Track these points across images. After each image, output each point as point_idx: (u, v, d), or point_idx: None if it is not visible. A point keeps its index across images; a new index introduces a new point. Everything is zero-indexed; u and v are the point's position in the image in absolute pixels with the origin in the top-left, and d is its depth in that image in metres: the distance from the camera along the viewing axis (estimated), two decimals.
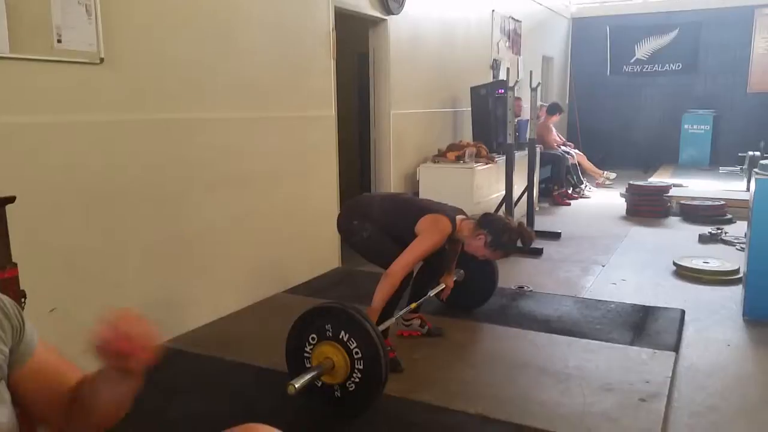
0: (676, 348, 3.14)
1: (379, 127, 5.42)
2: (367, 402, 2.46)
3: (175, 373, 2.80)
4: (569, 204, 7.75)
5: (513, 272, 4.71)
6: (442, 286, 3.37)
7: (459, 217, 3.04)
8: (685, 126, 10.71)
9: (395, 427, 2.43)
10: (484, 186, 5.75)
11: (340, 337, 2.41)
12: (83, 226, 2.82)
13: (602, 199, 8.17)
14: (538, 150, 6.67)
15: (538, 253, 5.20)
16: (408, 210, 3.05)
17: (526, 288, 4.19)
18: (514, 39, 8.41)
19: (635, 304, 3.80)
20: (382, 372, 2.38)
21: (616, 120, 11.37)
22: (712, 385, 2.81)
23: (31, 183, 2.57)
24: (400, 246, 2.93)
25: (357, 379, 2.41)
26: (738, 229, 5.77)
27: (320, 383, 2.46)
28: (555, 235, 5.82)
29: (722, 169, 9.43)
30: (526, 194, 6.01)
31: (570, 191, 8.15)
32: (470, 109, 6.63)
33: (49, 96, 2.65)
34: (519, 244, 3.07)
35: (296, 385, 2.27)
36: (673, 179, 8.42)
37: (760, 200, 3.58)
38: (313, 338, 2.49)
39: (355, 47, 5.77)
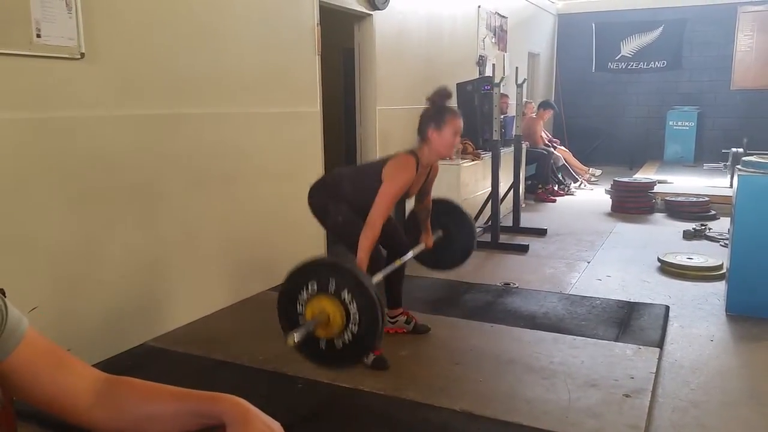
0: (660, 344, 3.16)
1: (364, 123, 5.41)
2: (357, 358, 2.45)
3: (159, 372, 2.78)
4: (554, 201, 7.78)
5: (499, 269, 4.72)
6: (422, 245, 3.32)
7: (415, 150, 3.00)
8: (670, 122, 10.80)
9: (380, 424, 2.43)
10: (471, 182, 5.76)
11: (336, 290, 2.36)
12: (65, 223, 2.78)
13: (588, 195, 8.22)
14: (524, 147, 6.68)
15: (523, 250, 5.21)
16: (372, 170, 3.00)
17: (511, 285, 4.20)
18: (500, 35, 8.42)
19: (620, 300, 3.82)
20: (378, 328, 2.35)
21: (601, 117, 11.44)
22: (695, 380, 2.83)
23: (12, 180, 2.52)
24: None
25: (350, 336, 2.36)
26: (722, 225, 5.83)
27: (324, 344, 2.40)
28: (541, 232, 5.84)
29: (706, 166, 9.52)
30: (512, 191, 6.04)
31: (556, 188, 8.18)
32: (456, 105, 6.62)
33: (29, 92, 2.60)
34: (443, 101, 3.06)
35: (296, 337, 2.23)
36: (658, 176, 8.49)
37: (742, 196, 3.61)
38: (308, 290, 2.43)
39: (341, 43, 5.75)
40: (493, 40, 8.16)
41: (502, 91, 5.56)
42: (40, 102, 2.65)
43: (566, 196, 8.12)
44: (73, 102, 2.78)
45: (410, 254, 3.24)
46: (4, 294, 1.09)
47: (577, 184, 8.73)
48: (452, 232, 3.55)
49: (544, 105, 8.53)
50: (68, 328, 2.75)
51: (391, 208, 2.89)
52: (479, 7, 7.55)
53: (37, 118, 2.64)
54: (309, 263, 2.54)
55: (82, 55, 2.77)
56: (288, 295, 2.52)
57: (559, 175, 8.59)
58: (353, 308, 2.35)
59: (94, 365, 1.17)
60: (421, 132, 3.01)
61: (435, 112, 3.00)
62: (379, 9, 5.20)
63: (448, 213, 3.57)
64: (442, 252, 3.52)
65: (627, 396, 2.59)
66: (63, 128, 2.75)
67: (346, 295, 2.35)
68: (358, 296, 2.35)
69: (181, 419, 1.07)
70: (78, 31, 2.73)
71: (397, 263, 3.13)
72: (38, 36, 2.58)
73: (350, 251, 2.94)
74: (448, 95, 3.11)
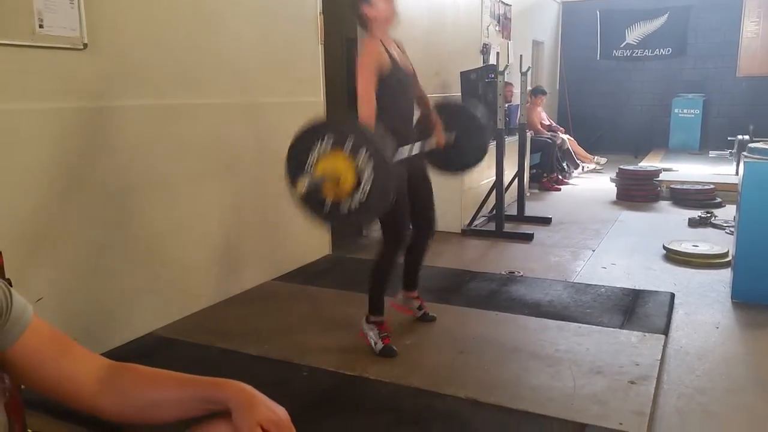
0: (665, 331, 3.15)
1: None
2: (363, 222, 2.37)
3: (165, 362, 2.78)
4: (559, 189, 7.75)
5: (503, 258, 4.72)
6: (433, 141, 3.27)
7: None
8: (675, 110, 10.74)
9: (385, 411, 2.44)
10: (475, 171, 5.72)
11: (352, 152, 2.27)
12: (70, 213, 2.78)
13: (592, 184, 8.19)
14: (528, 135, 6.66)
15: (528, 238, 5.20)
16: None
17: (516, 273, 4.20)
18: (504, 23, 8.37)
19: (625, 288, 3.82)
20: (386, 200, 2.30)
21: (606, 105, 11.39)
22: (700, 367, 2.83)
23: (15, 171, 2.53)
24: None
25: (356, 203, 2.31)
26: (727, 213, 5.80)
27: (328, 206, 2.36)
28: (545, 221, 5.83)
29: (712, 153, 9.48)
30: (516, 180, 6.02)
31: (561, 177, 8.15)
32: (460, 93, 6.60)
33: (32, 82, 2.60)
34: None
35: (305, 185, 2.19)
36: (663, 164, 8.46)
37: (748, 184, 3.59)
38: (323, 144, 2.34)
39: (344, 32, 5.72)
40: (497, 28, 8.12)
41: (506, 80, 5.53)
42: (43, 93, 2.65)
43: (570, 185, 8.08)
44: (75, 93, 2.78)
45: (417, 147, 3.18)
46: (10, 284, 1.09)
47: (578, 170, 8.67)
48: (464, 134, 3.46)
49: (535, 91, 8.46)
50: (75, 318, 2.76)
51: (372, 80, 2.79)
52: None
53: (39, 109, 2.64)
54: (331, 120, 2.44)
55: (85, 45, 2.76)
56: (302, 144, 2.41)
57: (564, 163, 8.57)
58: (366, 174, 2.25)
59: (100, 355, 1.17)
60: (359, 18, 2.92)
61: None
62: None
63: (459, 115, 3.48)
64: (453, 153, 3.45)
65: (632, 383, 2.59)
66: (66, 119, 2.75)
67: (361, 160, 2.26)
68: (374, 164, 2.24)
69: (186, 405, 1.08)
70: (80, 22, 2.73)
71: (411, 149, 3.01)
72: (41, 26, 2.57)
73: (381, 223, 2.92)
74: None
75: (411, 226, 3.14)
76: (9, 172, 2.50)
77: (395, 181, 2.34)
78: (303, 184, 2.22)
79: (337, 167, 2.29)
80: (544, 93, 8.51)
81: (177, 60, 3.28)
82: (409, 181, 3.01)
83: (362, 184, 2.28)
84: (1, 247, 1.92)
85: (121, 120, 3.00)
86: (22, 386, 1.78)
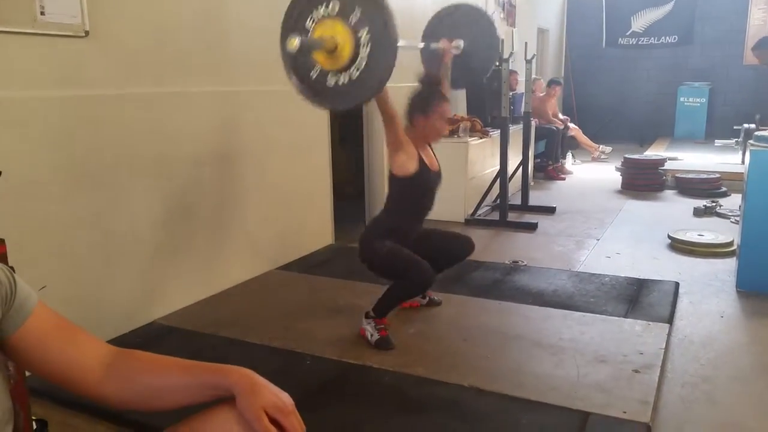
0: (670, 320, 3.14)
1: (372, 101, 5.34)
2: (357, 100, 2.31)
3: (168, 351, 2.77)
4: (564, 179, 7.72)
5: (507, 247, 4.71)
6: (442, 45, 3.26)
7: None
8: (681, 99, 10.68)
9: (389, 399, 2.43)
10: (479, 161, 5.73)
11: (356, 23, 2.16)
12: (72, 202, 2.78)
13: (597, 173, 8.15)
14: (533, 124, 6.63)
15: (532, 228, 5.19)
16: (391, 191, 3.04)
17: (520, 263, 4.19)
18: (508, 10, 8.31)
19: (629, 277, 3.80)
20: (379, 85, 2.21)
21: (611, 93, 11.32)
22: (705, 356, 2.83)
23: (17, 160, 2.52)
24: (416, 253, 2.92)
25: (347, 77, 2.21)
26: (733, 202, 5.78)
27: (315, 73, 2.27)
28: (550, 210, 5.81)
29: (718, 142, 9.42)
30: (521, 169, 6.00)
31: (557, 164, 8.06)
32: None
33: (33, 70, 2.59)
34: (432, 85, 3.02)
35: (297, 42, 2.09)
36: (669, 153, 8.42)
37: (754, 172, 3.57)
38: (327, 7, 2.23)
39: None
40: (502, 16, 8.06)
41: (511, 68, 5.49)
42: (45, 80, 2.64)
43: (574, 175, 8.04)
44: (77, 80, 2.77)
45: (433, 45, 3.11)
46: (13, 270, 1.09)
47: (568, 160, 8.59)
48: (473, 44, 3.42)
49: (551, 82, 8.43)
50: (77, 307, 2.75)
51: (397, 117, 2.80)
52: None
53: (41, 97, 2.63)
54: None
55: (87, 33, 2.74)
56: (304, 3, 2.30)
57: (570, 152, 8.53)
58: (365, 51, 2.15)
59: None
60: (409, 117, 2.99)
61: (422, 98, 2.97)
62: None
63: (469, 25, 3.40)
64: (462, 66, 3.41)
65: (636, 371, 2.58)
66: (68, 107, 2.74)
67: (364, 34, 2.16)
68: (377, 40, 2.12)
69: (190, 391, 1.08)
70: (82, 9, 2.71)
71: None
72: (42, 14, 2.56)
73: (401, 276, 2.90)
74: (438, 81, 3.08)
75: (452, 258, 3.20)
76: (11, 160, 2.49)
77: (389, 70, 2.22)
78: (295, 41, 2.11)
79: (336, 35, 2.18)
80: (559, 84, 8.45)
81: (179, 48, 3.26)
82: (418, 246, 2.99)
83: (357, 60, 2.17)
84: (3, 235, 1.92)
85: (122, 108, 2.99)
86: (27, 373, 1.79)
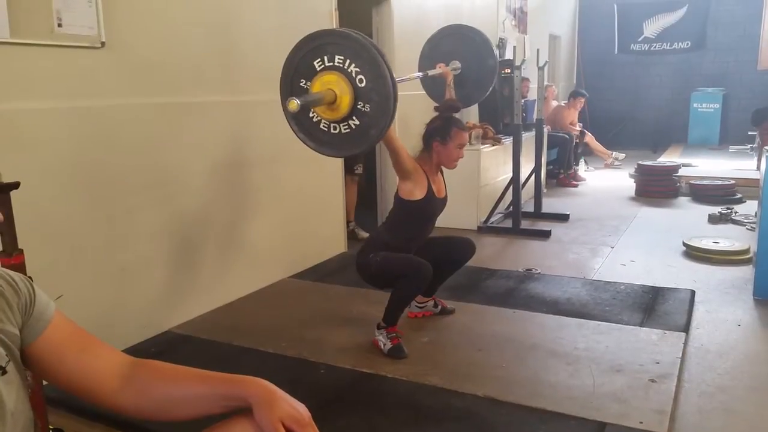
0: (686, 328, 3.11)
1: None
2: (363, 146, 2.34)
3: (183, 359, 2.79)
4: (576, 185, 7.68)
5: (520, 255, 4.69)
6: (440, 71, 3.29)
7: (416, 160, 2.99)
8: (694, 104, 10.59)
9: (404, 408, 2.43)
10: (491, 168, 5.71)
11: (348, 68, 2.20)
12: (88, 211, 2.80)
13: (611, 180, 8.11)
14: (545, 131, 6.60)
15: (545, 235, 5.17)
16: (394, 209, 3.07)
17: (534, 270, 4.17)
18: (520, 17, 8.30)
19: (645, 285, 3.77)
20: (389, 116, 2.23)
21: (624, 99, 11.26)
22: (722, 365, 2.79)
23: (35, 169, 2.55)
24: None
25: (356, 122, 2.24)
26: (748, 209, 5.72)
27: (317, 118, 2.32)
28: (563, 217, 5.79)
29: (732, 148, 9.34)
30: (533, 176, 5.98)
31: (570, 172, 8.02)
32: None
33: (50, 81, 2.62)
34: (450, 113, 3.05)
35: (298, 101, 2.13)
36: (683, 159, 8.35)
37: None
38: (317, 64, 2.28)
39: (359, 27, 5.69)
40: (513, 23, 8.05)
41: (523, 75, 5.49)
42: (62, 91, 2.67)
43: (585, 181, 8.00)
44: (93, 91, 2.80)
45: (429, 73, 3.13)
46: (31, 280, 1.10)
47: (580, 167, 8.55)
48: (471, 64, 3.45)
49: (576, 94, 8.41)
50: (92, 316, 2.77)
51: (402, 151, 2.82)
52: None
53: (58, 108, 2.66)
54: (339, 32, 2.33)
55: (103, 44, 2.78)
56: (301, 58, 2.34)
57: (583, 159, 8.49)
58: (365, 98, 2.17)
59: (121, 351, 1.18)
60: (426, 142, 3.02)
61: (441, 124, 2.99)
62: None
63: (465, 43, 3.46)
64: (461, 85, 3.45)
65: (652, 381, 2.56)
66: (84, 117, 2.76)
67: (363, 83, 2.18)
68: (375, 87, 2.15)
69: (207, 401, 1.08)
70: (98, 20, 2.74)
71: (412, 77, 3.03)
72: (59, 25, 2.59)
73: (399, 277, 2.90)
74: (456, 108, 3.13)
75: (454, 262, 3.20)
76: (28, 171, 2.51)
77: (391, 114, 2.25)
78: (294, 103, 2.15)
79: (334, 87, 2.22)
80: (584, 96, 8.41)
81: (193, 58, 3.28)
82: (418, 255, 3.00)
83: (357, 108, 2.20)
84: (20, 243, 1.94)
85: (136, 117, 3.01)
86: (44, 382, 1.80)
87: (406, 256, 2.94)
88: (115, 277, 2.94)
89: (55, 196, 2.66)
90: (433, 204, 3.02)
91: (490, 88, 3.63)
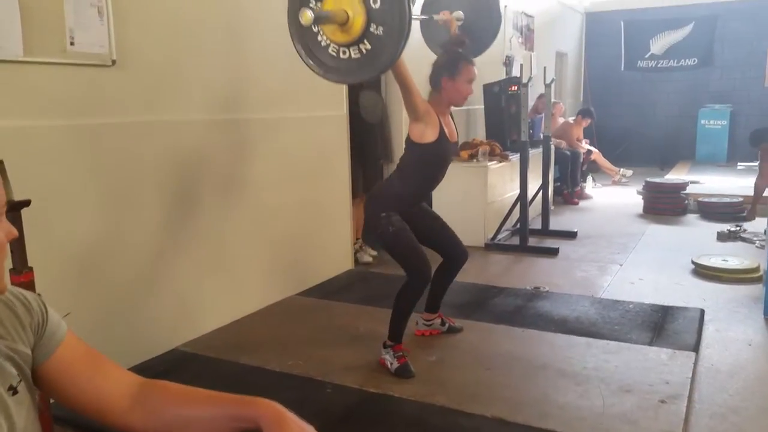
0: (696, 348, 3.09)
1: (394, 124, 5.36)
2: (372, 72, 2.29)
3: (190, 378, 2.80)
4: (577, 203, 7.61)
5: (528, 272, 4.67)
6: (444, 17, 3.25)
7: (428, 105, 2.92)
8: (702, 121, 10.58)
9: (411, 429, 2.41)
10: (498, 184, 5.71)
11: None
12: (96, 228, 2.81)
13: (618, 197, 8.09)
14: (552, 148, 6.60)
15: (553, 253, 5.15)
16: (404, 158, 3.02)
17: (542, 288, 4.15)
18: (526, 35, 8.34)
19: (654, 304, 3.75)
20: (403, 40, 2.16)
21: (631, 116, 11.26)
22: (733, 386, 2.76)
23: (45, 186, 2.56)
24: (422, 244, 2.95)
25: (367, 46, 2.18)
26: (757, 226, 5.69)
27: (325, 42, 2.26)
28: (571, 235, 5.77)
29: (740, 165, 9.31)
30: (541, 193, 5.97)
31: (577, 189, 7.99)
32: (483, 106, 6.58)
33: (62, 99, 2.64)
34: (457, 48, 2.99)
35: (311, 13, 2.07)
36: (690, 176, 8.33)
37: None
38: None
39: None
40: (520, 40, 8.09)
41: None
42: (73, 108, 2.69)
43: (592, 198, 7.97)
44: (104, 108, 2.82)
45: (435, 16, 3.09)
46: (40, 297, 1.11)
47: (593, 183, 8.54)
48: (473, 13, 3.40)
49: (584, 113, 8.42)
50: (99, 334, 2.77)
51: (414, 87, 2.76)
52: (505, 6, 7.48)
53: (69, 125, 2.68)
54: None
55: (114, 62, 2.80)
56: None
57: (590, 176, 8.47)
58: (378, 21, 2.12)
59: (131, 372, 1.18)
60: (434, 80, 2.94)
61: (449, 59, 2.93)
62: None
63: None
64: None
65: (663, 402, 2.53)
66: (94, 134, 2.78)
67: (377, 4, 2.14)
68: (390, 8, 2.10)
69: (216, 423, 1.07)
70: (110, 39, 2.77)
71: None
72: (72, 44, 2.62)
73: (400, 262, 2.92)
74: (463, 42, 3.03)
75: (443, 256, 3.16)
76: (39, 189, 2.53)
77: (404, 39, 2.19)
78: (308, 14, 2.10)
79: (347, 7, 2.16)
80: (591, 117, 8.41)
81: (202, 76, 3.31)
82: (417, 225, 3.00)
83: (370, 31, 2.15)
84: (31, 262, 1.95)
85: (146, 135, 3.03)
86: (51, 401, 1.80)
87: (416, 246, 2.90)
88: (122, 294, 2.94)
89: (64, 213, 2.67)
90: (446, 147, 2.94)
91: (491, 43, 3.58)
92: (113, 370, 1.13)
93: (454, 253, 3.18)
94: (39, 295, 1.10)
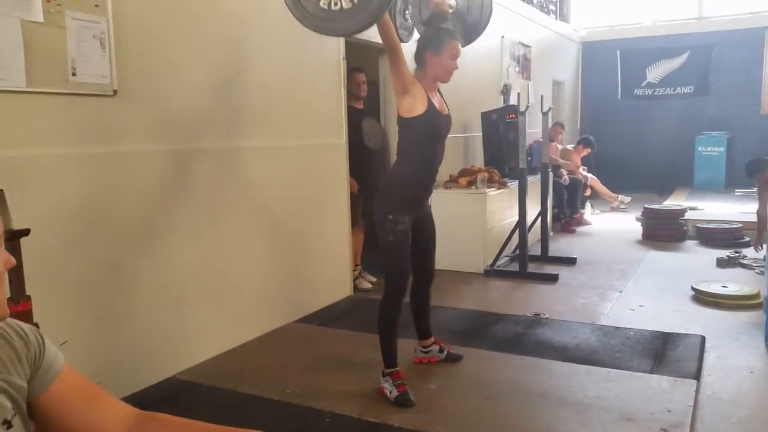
0: (697, 376, 3.06)
1: (392, 154, 5.40)
2: (357, 25, 2.35)
3: (187, 406, 2.77)
4: (574, 231, 7.51)
5: (528, 299, 4.65)
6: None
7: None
8: (699, 148, 10.65)
9: None
10: (497, 211, 5.72)
11: None
12: (93, 256, 2.81)
13: (617, 223, 8.10)
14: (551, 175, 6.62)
15: (553, 279, 5.14)
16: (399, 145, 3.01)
17: (542, 315, 4.13)
18: (524, 64, 8.44)
19: (654, 331, 3.72)
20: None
21: (629, 144, 11.32)
22: (735, 414, 2.74)
23: (42, 215, 2.57)
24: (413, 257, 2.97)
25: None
26: (756, 253, 5.68)
27: None
28: (570, 261, 5.76)
29: (738, 191, 9.34)
30: (540, 219, 5.98)
31: (576, 216, 7.97)
32: (481, 134, 6.63)
33: (64, 128, 2.67)
34: (440, 23, 2.99)
35: None
36: (689, 202, 8.35)
37: None
38: None
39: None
40: (517, 69, 8.19)
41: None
42: (74, 138, 2.71)
43: (591, 224, 7.97)
44: (105, 137, 2.84)
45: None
46: (38, 327, 1.10)
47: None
48: (463, 6, 3.39)
49: (585, 142, 8.50)
50: (96, 362, 2.76)
51: (401, 51, 2.76)
52: (503, 37, 7.59)
53: (69, 154, 2.69)
54: None
55: (115, 92, 2.83)
56: None
57: (588, 202, 8.48)
58: None
59: (122, 399, 1.17)
60: (419, 57, 2.94)
61: (433, 34, 2.91)
62: (403, 42, 5.23)
63: None
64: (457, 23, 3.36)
65: (665, 430, 2.51)
66: (94, 163, 2.80)
67: None
68: None
69: None
70: (111, 69, 2.81)
71: None
72: (74, 74, 2.65)
73: (383, 270, 2.94)
74: (445, 15, 3.03)
75: (414, 270, 3.12)
76: (38, 217, 2.54)
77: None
78: None
79: None
80: (592, 146, 8.49)
81: (202, 105, 3.34)
82: (420, 232, 3.02)
83: None
84: (29, 291, 1.94)
85: (147, 164, 3.05)
86: None
87: (405, 264, 2.92)
88: (119, 322, 2.93)
89: (62, 242, 2.67)
90: (437, 118, 2.92)
91: (476, 38, 3.58)
92: (109, 402, 1.13)
93: (424, 270, 3.17)
94: (37, 325, 1.10)
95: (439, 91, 3.07)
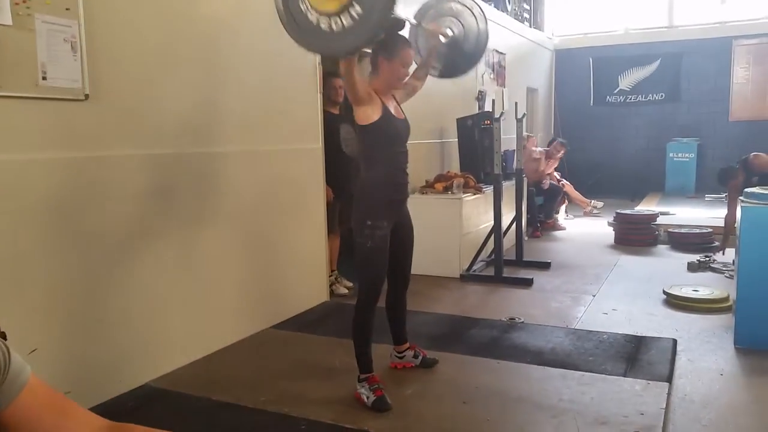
0: (669, 378, 3.11)
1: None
2: (346, 46, 2.32)
3: (160, 415, 2.73)
4: (539, 236, 7.53)
5: (504, 304, 4.68)
6: (433, 28, 3.25)
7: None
8: (670, 154, 10.84)
9: None
10: (473, 216, 5.76)
11: None
12: (65, 262, 2.76)
13: (590, 227, 8.20)
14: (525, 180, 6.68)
15: (528, 283, 5.18)
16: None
17: (517, 320, 4.16)
18: (498, 71, 8.52)
19: (627, 335, 3.78)
20: (383, 18, 2.19)
21: (601, 149, 11.48)
22: (706, 416, 2.78)
23: (12, 220, 2.52)
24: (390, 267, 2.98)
25: (353, 16, 2.19)
26: (726, 257, 5.79)
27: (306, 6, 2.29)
28: (545, 265, 5.81)
29: (708, 197, 9.52)
30: (515, 224, 6.03)
31: (550, 221, 8.03)
32: (457, 140, 6.66)
33: (33, 133, 2.62)
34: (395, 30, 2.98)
35: None
36: (660, 207, 8.49)
37: (746, 228, 3.60)
38: None
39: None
40: (492, 76, 8.26)
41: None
42: (44, 143, 2.67)
43: (565, 229, 8.05)
44: (76, 142, 2.80)
45: (415, 21, 3.11)
46: (5, 337, 1.07)
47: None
48: (459, 35, 3.42)
49: (561, 144, 8.60)
50: (68, 370, 2.71)
51: (356, 75, 2.76)
52: None
53: (39, 159, 2.65)
54: None
55: (87, 96, 2.79)
56: None
57: (562, 207, 8.56)
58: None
59: (94, 407, 1.15)
60: (373, 61, 2.97)
61: (387, 42, 2.91)
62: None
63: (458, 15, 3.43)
64: (453, 55, 3.42)
65: None
66: (66, 168, 2.76)
67: None
68: None
69: None
70: (83, 73, 2.76)
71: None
72: (44, 78, 2.60)
73: (357, 275, 2.96)
74: (401, 24, 3.03)
75: (390, 275, 3.12)
76: (6, 222, 2.49)
77: (388, 14, 2.23)
78: None
79: None
80: (563, 147, 8.58)
81: (176, 110, 3.31)
82: (398, 233, 3.03)
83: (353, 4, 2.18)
84: None
85: (121, 169, 3.01)
86: None
87: (381, 271, 2.94)
88: (90, 329, 2.88)
89: (33, 247, 2.62)
90: (393, 123, 2.94)
91: (469, 71, 3.62)
92: (80, 414, 1.10)
93: (401, 275, 3.18)
94: (3, 335, 1.07)
95: (395, 97, 3.11)
